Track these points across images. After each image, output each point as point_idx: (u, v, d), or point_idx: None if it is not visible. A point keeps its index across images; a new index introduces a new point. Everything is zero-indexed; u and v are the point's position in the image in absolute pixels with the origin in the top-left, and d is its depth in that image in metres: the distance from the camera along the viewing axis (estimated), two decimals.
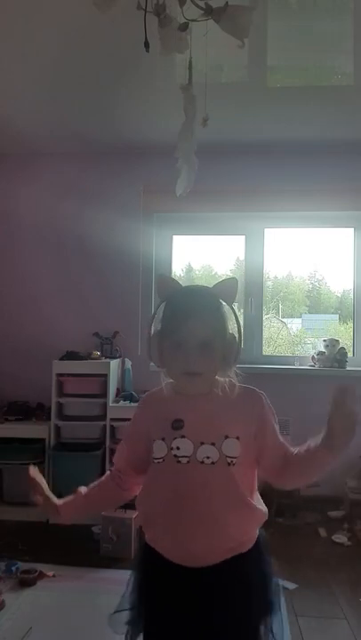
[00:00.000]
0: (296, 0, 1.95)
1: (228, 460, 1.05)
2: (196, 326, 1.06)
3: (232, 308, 1.13)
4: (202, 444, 1.06)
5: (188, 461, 1.06)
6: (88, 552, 2.56)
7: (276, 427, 1.16)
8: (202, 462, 1.05)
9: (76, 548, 2.61)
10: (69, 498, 1.19)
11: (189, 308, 1.08)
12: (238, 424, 1.09)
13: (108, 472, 1.25)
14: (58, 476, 2.92)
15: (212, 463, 1.05)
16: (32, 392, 3.31)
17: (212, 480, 1.05)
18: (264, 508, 1.12)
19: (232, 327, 1.12)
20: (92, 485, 1.21)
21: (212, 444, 1.06)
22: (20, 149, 3.43)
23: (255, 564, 1.10)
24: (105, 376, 3.06)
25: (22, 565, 2.35)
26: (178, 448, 1.06)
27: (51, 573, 2.32)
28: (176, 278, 1.17)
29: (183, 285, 1.16)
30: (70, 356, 3.13)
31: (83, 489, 1.20)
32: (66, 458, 2.93)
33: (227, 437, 1.06)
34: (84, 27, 2.06)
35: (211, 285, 1.14)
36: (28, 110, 2.90)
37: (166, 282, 1.17)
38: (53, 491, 1.19)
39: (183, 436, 1.07)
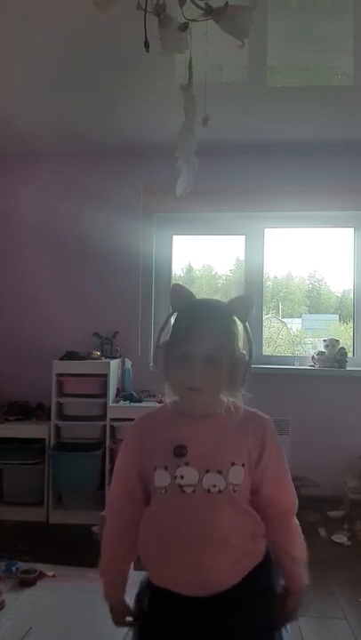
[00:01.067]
0: (296, 0, 1.95)
1: (233, 487, 1.02)
2: (203, 339, 1.01)
3: (245, 326, 1.08)
4: (207, 471, 1.02)
5: (193, 490, 1.01)
6: (88, 552, 2.54)
7: (281, 460, 1.08)
8: (208, 491, 1.01)
9: (76, 548, 2.61)
10: (113, 585, 1.13)
11: (199, 320, 1.04)
12: (243, 450, 1.04)
13: (115, 523, 1.13)
14: (58, 475, 2.92)
15: (219, 492, 1.01)
16: (32, 392, 3.31)
17: (220, 508, 1.01)
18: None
19: (243, 346, 1.07)
20: (115, 557, 1.13)
21: (219, 472, 1.02)
22: (20, 149, 3.43)
23: (265, 576, 1.08)
24: (105, 376, 3.05)
25: (22, 565, 2.35)
26: (182, 477, 1.02)
27: (51, 573, 2.32)
28: (190, 290, 1.11)
29: (197, 298, 1.12)
30: (70, 355, 3.13)
31: (111, 569, 1.13)
32: (66, 458, 2.93)
33: (233, 464, 1.03)
34: (84, 27, 2.06)
35: (227, 298, 1.10)
36: (27, 110, 2.89)
37: (180, 292, 1.11)
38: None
39: (187, 464, 1.02)
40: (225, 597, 1.00)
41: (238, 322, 1.08)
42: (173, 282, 3.64)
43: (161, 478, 1.04)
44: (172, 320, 1.11)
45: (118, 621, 1.14)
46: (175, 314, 1.10)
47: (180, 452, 1.03)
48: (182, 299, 1.11)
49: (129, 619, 1.13)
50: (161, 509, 1.05)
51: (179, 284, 1.13)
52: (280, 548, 1.09)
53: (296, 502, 1.11)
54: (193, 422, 1.06)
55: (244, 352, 1.07)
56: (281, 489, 1.08)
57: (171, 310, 1.12)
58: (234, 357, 1.05)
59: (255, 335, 3.51)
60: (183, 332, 1.04)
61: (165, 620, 1.04)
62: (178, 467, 1.02)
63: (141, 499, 1.10)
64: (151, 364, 1.10)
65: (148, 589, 1.09)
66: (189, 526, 1.01)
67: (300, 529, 1.11)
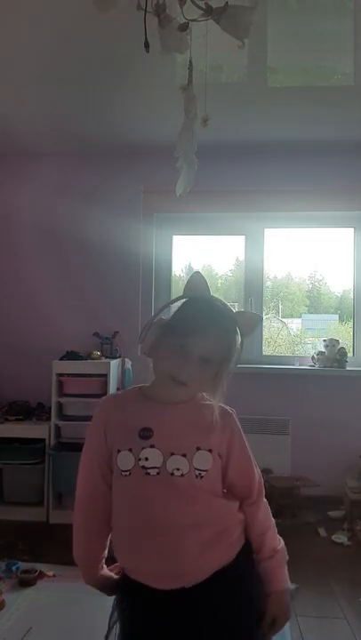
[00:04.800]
0: (296, 0, 1.95)
1: (197, 472, 1.02)
2: (208, 340, 1.02)
3: (242, 342, 1.08)
4: (172, 454, 1.01)
5: (157, 473, 1.01)
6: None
7: (248, 448, 1.11)
8: (172, 474, 1.00)
9: None
10: (90, 573, 1.13)
11: (209, 321, 1.04)
12: (210, 436, 1.05)
13: (86, 510, 1.10)
14: (58, 475, 2.92)
15: (182, 475, 1.01)
16: (32, 392, 3.31)
17: (184, 493, 1.00)
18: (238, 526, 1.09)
19: (235, 358, 1.08)
20: (88, 546, 1.12)
21: (183, 455, 1.02)
22: (21, 149, 3.43)
23: (244, 569, 1.07)
24: (105, 376, 3.05)
25: (22, 565, 2.35)
26: (146, 459, 1.01)
27: (51, 573, 2.32)
28: (206, 283, 1.11)
29: (211, 294, 1.11)
30: (70, 355, 3.13)
31: (85, 557, 1.12)
32: (66, 458, 2.92)
33: (198, 449, 1.03)
34: (84, 27, 2.06)
35: (227, 299, 1.11)
36: (28, 110, 2.89)
37: (199, 281, 1.11)
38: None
39: (152, 446, 1.02)
40: (201, 589, 1.00)
41: (239, 335, 1.08)
42: (173, 282, 3.65)
43: (125, 461, 1.03)
44: (180, 305, 1.10)
45: (112, 593, 1.13)
46: (186, 300, 1.09)
47: (145, 434, 1.03)
48: (198, 289, 1.10)
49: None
50: (125, 494, 1.04)
51: (200, 274, 1.11)
52: (257, 529, 1.09)
53: (262, 485, 1.13)
54: (160, 406, 1.07)
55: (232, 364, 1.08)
56: (247, 475, 1.10)
57: (182, 294, 1.11)
58: (224, 366, 1.06)
59: (255, 335, 3.52)
60: (191, 326, 1.03)
61: (145, 615, 1.03)
62: (143, 448, 1.02)
63: (110, 478, 1.09)
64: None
65: (124, 586, 1.08)
66: (154, 511, 1.00)
67: (269, 509, 1.13)
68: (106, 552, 1.13)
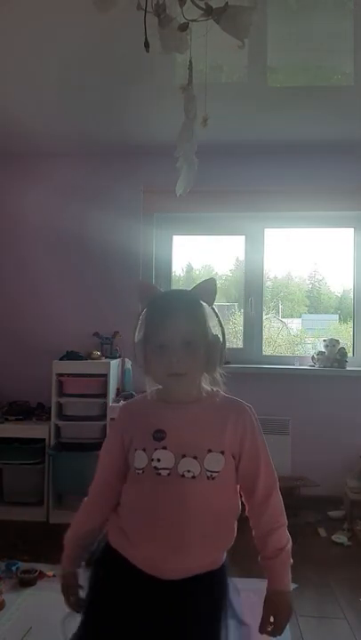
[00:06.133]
0: (296, 0, 1.94)
1: (209, 473, 1.03)
2: (176, 326, 1.06)
3: (213, 309, 1.12)
4: (183, 456, 1.04)
5: (168, 474, 1.03)
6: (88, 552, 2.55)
7: (262, 445, 1.11)
8: (182, 476, 1.03)
9: None
10: (71, 556, 1.17)
11: (168, 310, 1.09)
12: (223, 437, 1.06)
13: (90, 497, 1.17)
14: (58, 475, 2.93)
15: (193, 477, 1.03)
16: (32, 392, 3.31)
17: (191, 495, 1.02)
18: (235, 532, 1.11)
19: (215, 328, 1.11)
20: (80, 527, 1.17)
21: (195, 457, 1.04)
22: (22, 150, 3.42)
23: (220, 584, 1.08)
24: (105, 376, 3.06)
25: (22, 565, 2.35)
26: (158, 460, 1.04)
27: (51, 573, 2.32)
28: (155, 285, 1.19)
29: (162, 290, 1.17)
30: (70, 355, 3.13)
31: (72, 538, 1.17)
32: (66, 458, 2.93)
33: (210, 451, 1.04)
34: (85, 27, 2.06)
35: (190, 288, 1.15)
36: (29, 111, 2.89)
37: (146, 288, 1.18)
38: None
39: (164, 448, 1.05)
40: (179, 585, 1.02)
41: (206, 306, 1.12)
42: (174, 282, 3.65)
43: (139, 460, 1.07)
44: (143, 316, 1.14)
45: (71, 598, 1.16)
46: (145, 310, 1.14)
47: (158, 435, 1.06)
48: (149, 294, 1.15)
49: (81, 595, 1.15)
50: (136, 491, 1.08)
51: (143, 281, 1.18)
52: (262, 528, 1.09)
53: (276, 479, 1.13)
54: (173, 409, 1.09)
55: (217, 334, 1.11)
56: (253, 474, 1.10)
57: (140, 307, 1.15)
58: (207, 339, 1.09)
59: (255, 335, 3.53)
60: (157, 324, 1.08)
61: (119, 592, 1.06)
62: (155, 449, 1.05)
63: (121, 474, 1.12)
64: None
65: (106, 556, 1.12)
66: (160, 509, 1.03)
67: (279, 510, 1.11)
68: (89, 549, 1.16)
